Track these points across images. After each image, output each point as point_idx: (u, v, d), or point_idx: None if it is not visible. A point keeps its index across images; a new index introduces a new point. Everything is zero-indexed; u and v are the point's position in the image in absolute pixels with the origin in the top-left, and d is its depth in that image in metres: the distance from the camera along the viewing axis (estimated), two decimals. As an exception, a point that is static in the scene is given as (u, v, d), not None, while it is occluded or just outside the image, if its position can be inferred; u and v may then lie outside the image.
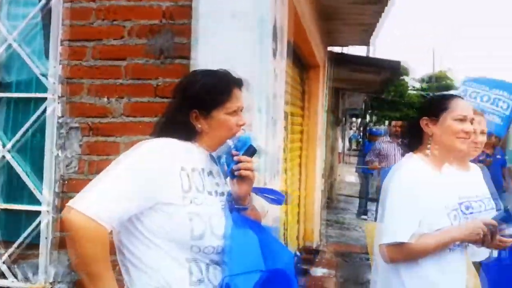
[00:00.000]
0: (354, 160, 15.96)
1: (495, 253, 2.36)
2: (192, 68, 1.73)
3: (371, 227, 2.44)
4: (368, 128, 12.73)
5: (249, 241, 1.21)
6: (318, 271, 4.89)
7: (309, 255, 5.29)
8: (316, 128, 5.40)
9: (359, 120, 22.03)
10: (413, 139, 1.86)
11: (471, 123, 1.76)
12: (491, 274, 2.23)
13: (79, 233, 1.11)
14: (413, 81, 27.46)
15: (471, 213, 2.17)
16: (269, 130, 2.20)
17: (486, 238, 1.77)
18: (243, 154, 1.27)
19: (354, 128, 27.52)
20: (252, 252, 1.19)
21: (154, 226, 1.20)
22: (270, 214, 2.46)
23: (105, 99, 2.02)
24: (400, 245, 1.64)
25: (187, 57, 1.80)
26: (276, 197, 1.51)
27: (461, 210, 1.85)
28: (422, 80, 28.41)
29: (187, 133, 1.29)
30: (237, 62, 1.67)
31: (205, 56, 1.70)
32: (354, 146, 25.98)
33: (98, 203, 1.13)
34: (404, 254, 1.67)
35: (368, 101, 14.71)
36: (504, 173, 6.88)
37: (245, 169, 1.26)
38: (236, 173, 1.26)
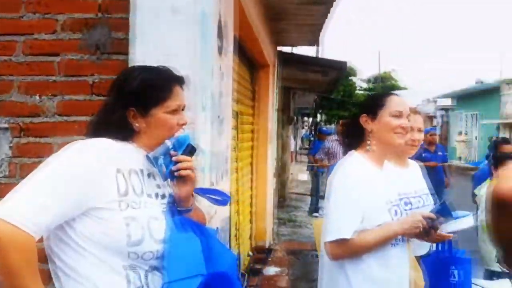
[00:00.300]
0: (306, 158, 16.28)
1: (434, 247, 2.46)
2: (130, 65, 1.65)
3: (318, 223, 2.47)
4: (318, 127, 13.01)
5: (190, 244, 1.16)
6: (270, 270, 4.91)
7: (262, 254, 5.30)
8: (267, 127, 5.42)
9: (311, 119, 22.53)
10: (354, 137, 1.90)
11: (408, 119, 1.82)
12: (430, 267, 2.32)
13: (2, 243, 1.01)
14: (360, 81, 28.61)
15: (410, 209, 2.24)
16: (215, 129, 2.16)
17: (430, 233, 1.84)
18: (182, 154, 1.22)
19: (306, 127, 28.10)
20: (193, 256, 1.14)
21: (87, 232, 1.12)
22: (219, 214, 2.41)
23: (37, 97, 1.88)
24: (343, 241, 1.67)
25: (125, 53, 1.71)
26: (221, 198, 1.47)
27: (401, 206, 1.91)
28: (368, 81, 29.65)
29: (124, 132, 1.22)
30: (178, 58, 1.61)
31: (144, 52, 1.62)
32: (306, 145, 26.50)
33: (23, 209, 1.04)
34: (347, 250, 1.69)
35: (318, 101, 15.02)
36: (445, 169, 7.27)
37: (185, 169, 1.21)
38: (175, 173, 1.21)
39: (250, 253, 5.18)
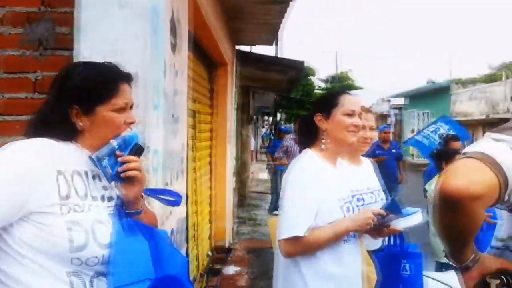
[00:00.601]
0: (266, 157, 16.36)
1: (386, 242, 2.53)
2: (75, 61, 1.57)
3: (273, 221, 2.46)
4: (278, 126, 13.09)
5: (138, 248, 1.12)
6: (230, 270, 4.90)
7: (222, 254, 5.27)
8: (225, 126, 5.38)
9: (271, 118, 22.71)
10: (309, 135, 1.91)
11: (360, 117, 1.86)
12: (382, 261, 2.38)
13: None
14: (318, 81, 29.22)
15: (362, 204, 2.29)
16: (168, 128, 2.11)
17: (382, 230, 1.88)
18: (128, 154, 1.17)
19: (267, 126, 28.26)
20: (141, 260, 1.10)
21: (26, 238, 1.05)
22: (174, 215, 2.37)
23: (-25, 96, 1.76)
24: (297, 239, 1.68)
25: (70, 49, 1.62)
26: (173, 198, 1.43)
27: (353, 203, 1.94)
28: (326, 81, 30.33)
29: (66, 132, 1.15)
30: (126, 55, 1.55)
31: (90, 48, 1.54)
32: (267, 144, 26.62)
33: None
34: (301, 248, 1.70)
35: (278, 100, 15.11)
36: (400, 166, 7.52)
37: (132, 170, 1.16)
38: (122, 175, 1.16)
39: (210, 253, 5.14)
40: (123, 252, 1.09)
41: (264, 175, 13.36)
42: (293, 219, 1.71)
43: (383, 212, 1.81)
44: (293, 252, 1.72)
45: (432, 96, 20.40)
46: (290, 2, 3.95)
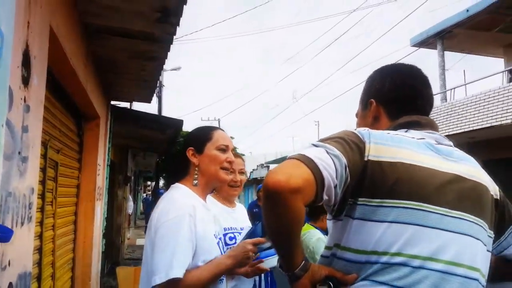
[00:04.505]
0: (145, 223, 15.57)
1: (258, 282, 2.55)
2: None
3: (123, 271, 2.30)
4: (157, 190, 12.68)
5: None
6: None
7: (83, 326, 4.68)
8: (94, 183, 5.03)
9: (154, 183, 22.02)
10: (179, 170, 1.81)
11: (232, 153, 1.84)
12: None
13: None
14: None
15: (234, 243, 2.32)
16: (12, 166, 1.92)
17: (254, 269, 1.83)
18: None
19: (149, 192, 27.26)
20: None
21: None
22: (15, 267, 2.09)
23: None
24: (175, 282, 1.45)
25: None
26: (1, 233, 1.28)
27: (225, 241, 1.93)
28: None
29: None
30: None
31: None
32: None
33: None
34: None
35: (160, 163, 14.82)
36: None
37: None
38: None
39: (69, 325, 4.53)
40: None
41: (142, 241, 12.62)
42: (169, 260, 1.46)
43: (261, 239, 1.75)
44: None
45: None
46: (166, 59, 4.07)
